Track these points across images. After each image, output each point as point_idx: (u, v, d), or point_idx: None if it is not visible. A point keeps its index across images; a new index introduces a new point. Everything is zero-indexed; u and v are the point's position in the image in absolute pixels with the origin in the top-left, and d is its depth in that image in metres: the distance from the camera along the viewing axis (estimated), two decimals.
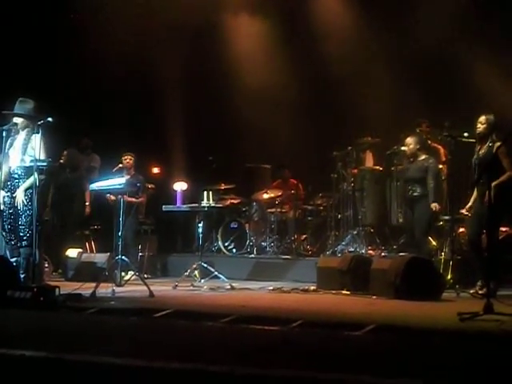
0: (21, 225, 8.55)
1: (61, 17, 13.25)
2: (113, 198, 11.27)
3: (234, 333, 6.03)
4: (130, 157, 11.83)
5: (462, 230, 10.17)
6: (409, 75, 12.40)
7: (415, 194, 10.16)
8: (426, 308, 7.87)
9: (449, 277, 9.40)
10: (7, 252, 8.81)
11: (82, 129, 13.12)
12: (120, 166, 11.74)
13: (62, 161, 11.92)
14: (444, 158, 10.84)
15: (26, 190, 8.53)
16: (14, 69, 12.54)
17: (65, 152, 12.30)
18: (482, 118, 9.00)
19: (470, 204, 9.16)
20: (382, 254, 11.02)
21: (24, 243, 8.51)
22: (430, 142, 11.07)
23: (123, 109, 13.51)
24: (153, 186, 12.60)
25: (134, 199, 11.31)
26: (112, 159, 12.12)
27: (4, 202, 8.69)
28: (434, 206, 9.97)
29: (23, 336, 5.48)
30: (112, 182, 9.61)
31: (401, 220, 11.18)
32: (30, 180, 8.42)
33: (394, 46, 12.70)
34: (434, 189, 10.05)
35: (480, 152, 9.02)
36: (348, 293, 9.26)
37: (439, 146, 11.14)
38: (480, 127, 9.02)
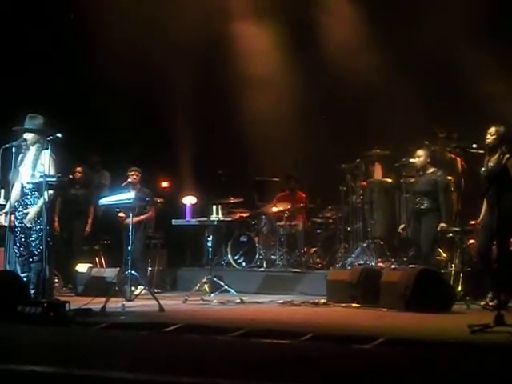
0: (32, 240, 8.57)
1: (69, 33, 13.28)
2: (122, 215, 11.32)
3: (244, 347, 6.02)
4: (136, 172, 11.86)
5: (471, 241, 10.14)
6: (418, 87, 12.37)
7: (422, 207, 10.14)
8: (436, 320, 7.85)
9: (459, 289, 9.37)
10: (18, 267, 8.83)
11: (91, 144, 13.16)
12: (129, 180, 11.78)
13: (71, 176, 11.97)
14: (461, 169, 10.78)
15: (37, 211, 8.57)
16: (23, 84, 12.59)
17: (78, 168, 12.38)
18: (492, 130, 8.98)
19: (481, 216, 9.13)
20: (392, 266, 10.98)
21: (35, 258, 8.53)
22: (448, 152, 10.99)
23: (132, 123, 13.54)
24: (162, 200, 12.62)
25: (142, 217, 11.35)
26: (121, 175, 12.14)
27: (16, 218, 8.72)
28: (441, 226, 9.94)
29: (33, 351, 5.49)
30: (121, 197, 9.64)
31: (407, 233, 11.10)
32: (42, 201, 8.46)
33: (402, 58, 12.69)
34: (444, 203, 10.01)
35: (489, 163, 9.00)
36: (358, 306, 9.24)
37: (456, 157, 11.08)
38: (489, 138, 9.00)
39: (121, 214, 11.43)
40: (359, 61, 12.88)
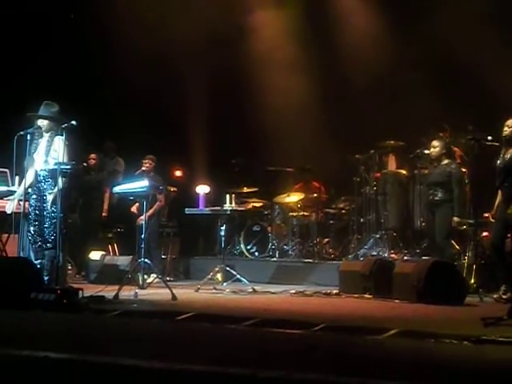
0: (46, 227, 8.61)
1: (88, 25, 13.28)
2: (135, 211, 11.38)
3: (257, 336, 6.02)
4: (149, 160, 11.88)
5: (485, 234, 10.10)
6: (432, 78, 12.34)
7: (436, 198, 10.10)
8: (448, 312, 7.83)
9: (472, 281, 9.33)
10: (32, 254, 8.87)
11: (105, 132, 13.19)
12: (143, 169, 11.80)
13: (85, 164, 11.99)
14: (459, 160, 10.76)
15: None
16: (40, 73, 12.62)
17: (92, 155, 12.43)
18: (510, 122, 8.88)
19: (495, 208, 9.08)
20: (405, 257, 10.96)
21: (49, 245, 8.56)
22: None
23: (146, 112, 13.56)
24: (175, 188, 12.64)
25: (152, 210, 11.37)
26: (136, 162, 12.17)
27: (30, 205, 8.76)
28: (454, 220, 9.91)
29: (47, 338, 5.52)
30: (135, 185, 9.66)
31: (423, 224, 11.10)
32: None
33: (417, 50, 12.65)
34: (458, 197, 9.98)
35: (505, 156, 8.93)
36: (370, 297, 9.23)
37: (456, 149, 11.05)
38: (507, 130, 8.90)
39: (133, 210, 11.50)
40: (374, 51, 12.86)
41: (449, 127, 11.32)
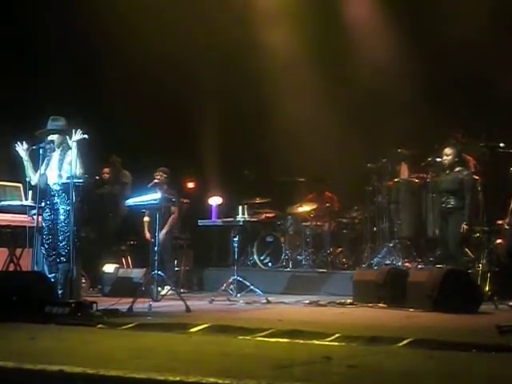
0: (59, 241, 8.63)
1: (99, 37, 13.33)
2: (148, 236, 11.48)
3: (271, 347, 6.01)
4: (161, 173, 11.89)
5: (499, 241, 10.06)
6: (444, 86, 12.33)
7: (449, 206, 10.08)
8: (463, 321, 7.80)
9: (487, 289, 9.31)
10: (45, 268, 8.90)
11: (116, 145, 13.21)
12: (155, 181, 11.83)
13: (97, 177, 12.04)
14: (473, 169, 10.75)
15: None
16: (53, 86, 12.68)
17: (105, 169, 12.49)
18: None
19: (509, 215, 9.05)
20: (419, 266, 10.93)
21: (62, 259, 8.59)
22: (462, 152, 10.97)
23: (158, 123, 13.60)
24: (187, 200, 12.66)
25: (170, 224, 11.42)
26: (147, 176, 12.18)
27: (44, 219, 8.80)
28: (464, 227, 9.88)
29: (61, 351, 5.52)
30: (147, 198, 9.67)
31: (437, 232, 11.07)
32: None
33: (431, 56, 12.62)
34: (470, 204, 9.95)
35: None
36: (385, 306, 9.21)
37: (469, 157, 11.05)
38: None
39: (147, 235, 11.56)
40: (385, 60, 12.84)
41: (462, 129, 11.29)
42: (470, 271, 9.57)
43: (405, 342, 5.95)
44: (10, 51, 12.63)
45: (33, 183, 8.92)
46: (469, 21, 11.89)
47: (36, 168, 8.79)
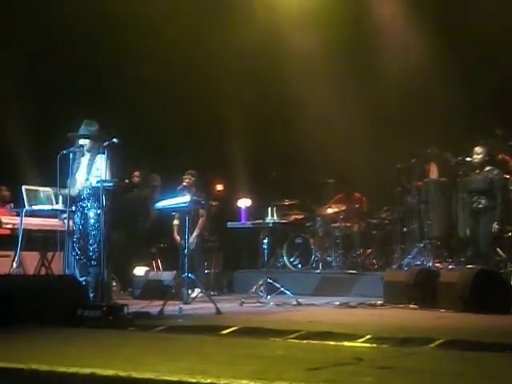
0: (90, 244, 8.69)
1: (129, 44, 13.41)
2: (178, 239, 11.51)
3: (302, 349, 6.00)
4: (190, 175, 11.92)
5: None
6: (476, 85, 12.23)
7: (480, 206, 10.01)
8: (495, 321, 7.74)
9: None
10: (77, 271, 8.96)
11: (145, 148, 13.28)
12: (183, 184, 11.87)
13: (127, 181, 12.10)
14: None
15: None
16: (82, 92, 12.79)
17: (135, 172, 12.56)
18: None
19: None
20: (450, 266, 10.87)
21: (93, 262, 8.64)
22: (500, 152, 10.87)
23: (187, 126, 13.64)
24: (216, 203, 12.69)
25: (200, 227, 11.52)
26: (176, 178, 12.23)
27: (74, 223, 8.86)
28: (495, 227, 9.80)
29: (93, 354, 5.56)
30: (177, 201, 9.71)
31: (467, 232, 11.00)
32: None
33: (462, 55, 12.52)
34: (501, 204, 9.87)
35: None
36: (415, 307, 9.16)
37: (507, 157, 10.96)
38: None
39: (177, 238, 11.60)
40: (413, 60, 12.79)
41: (502, 132, 11.20)
42: (501, 271, 9.49)
43: (437, 342, 5.92)
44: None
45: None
46: (506, 19, 11.80)
47: (66, 172, 8.84)
